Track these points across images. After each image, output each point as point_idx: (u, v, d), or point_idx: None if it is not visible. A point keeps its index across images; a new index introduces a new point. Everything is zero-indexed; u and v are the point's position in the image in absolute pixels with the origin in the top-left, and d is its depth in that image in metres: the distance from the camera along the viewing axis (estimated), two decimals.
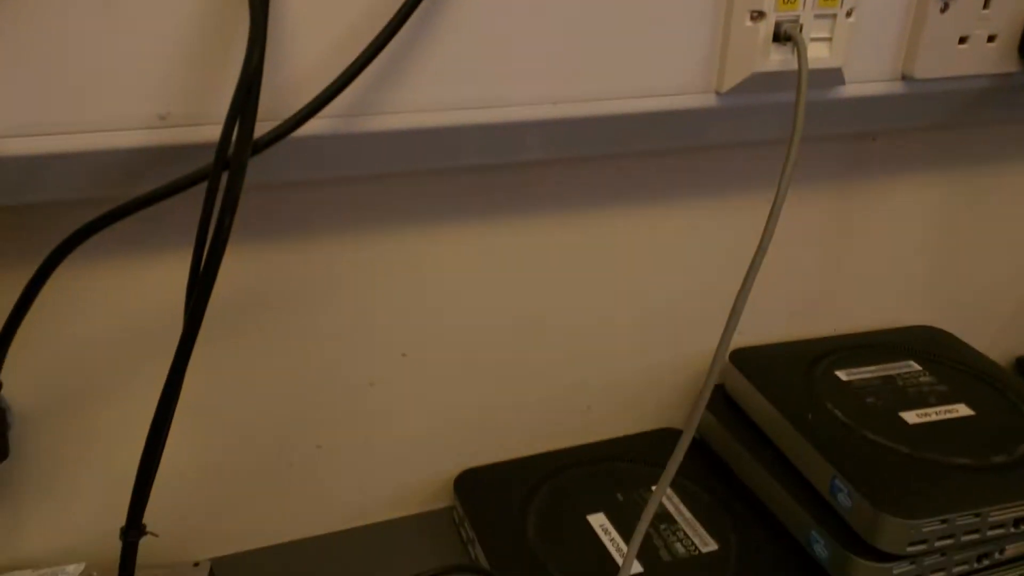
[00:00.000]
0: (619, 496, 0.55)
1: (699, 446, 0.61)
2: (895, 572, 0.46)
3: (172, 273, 0.46)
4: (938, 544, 0.46)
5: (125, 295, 0.46)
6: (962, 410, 0.54)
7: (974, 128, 0.62)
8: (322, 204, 0.48)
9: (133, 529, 0.38)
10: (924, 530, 0.45)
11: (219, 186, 0.37)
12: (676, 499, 0.55)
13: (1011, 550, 0.49)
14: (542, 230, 0.53)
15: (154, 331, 0.47)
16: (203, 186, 0.38)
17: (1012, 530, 0.47)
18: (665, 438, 0.61)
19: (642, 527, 0.44)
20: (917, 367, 0.59)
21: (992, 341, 0.72)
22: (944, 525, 0.45)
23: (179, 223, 0.45)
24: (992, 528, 0.46)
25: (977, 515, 0.46)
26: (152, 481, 0.37)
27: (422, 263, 0.51)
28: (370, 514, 0.58)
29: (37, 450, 0.48)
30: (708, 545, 0.51)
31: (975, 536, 0.46)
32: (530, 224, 0.53)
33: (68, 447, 0.48)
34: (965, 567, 0.48)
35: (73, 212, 0.41)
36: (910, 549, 0.45)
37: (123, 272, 0.45)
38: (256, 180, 0.43)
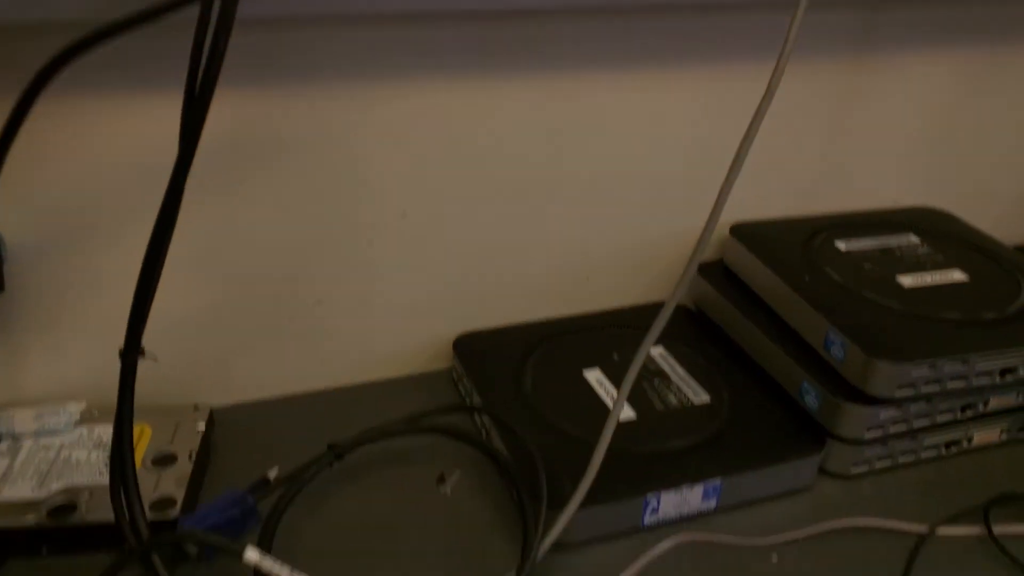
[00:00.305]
0: (615, 356, 0.56)
1: (697, 317, 0.61)
2: (882, 416, 0.47)
3: (169, 110, 0.46)
4: (925, 389, 0.47)
5: (123, 132, 0.46)
6: (957, 276, 0.55)
7: (987, 3, 0.61)
8: (320, 49, 0.47)
9: (131, 350, 0.38)
10: (913, 374, 0.46)
11: (213, 7, 0.37)
12: (671, 359, 0.56)
13: (994, 402, 0.50)
14: (544, 89, 0.53)
15: (152, 168, 0.47)
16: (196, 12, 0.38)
17: (998, 380, 0.48)
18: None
19: (633, 370, 0.45)
20: (916, 240, 0.60)
21: (993, 225, 0.72)
22: (932, 370, 0.46)
23: (176, 60, 0.45)
24: (978, 376, 0.47)
25: (964, 361, 0.46)
26: (151, 300, 0.38)
27: (421, 119, 0.51)
28: (370, 372, 0.59)
29: (36, 287, 0.48)
30: (701, 397, 0.52)
31: (961, 384, 0.47)
32: (531, 82, 0.53)
33: (68, 285, 0.49)
34: (949, 416, 0.49)
35: (65, 36, 0.41)
36: (898, 393, 0.46)
37: (120, 109, 0.45)
38: (250, 13, 0.42)
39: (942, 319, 0.49)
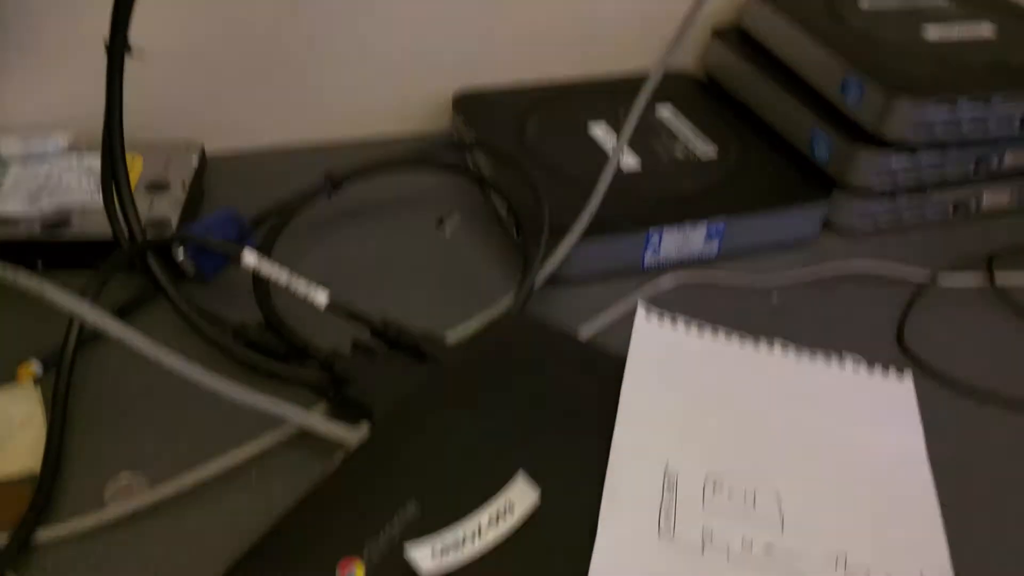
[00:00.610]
0: (621, 112, 0.54)
1: (710, 86, 0.59)
2: (893, 164, 0.46)
3: None
4: (942, 134, 0.45)
5: None
6: (986, 30, 0.52)
7: None
8: None
9: (118, 39, 0.36)
10: (931, 113, 0.44)
11: None
12: (680, 118, 0.54)
13: (1010, 159, 0.48)
14: None
15: None
16: None
17: (1018, 131, 0.46)
18: (674, 77, 0.60)
19: (636, 110, 0.43)
20: (945, 2, 0.57)
21: None
22: (951, 111, 0.45)
23: None
24: (998, 121, 0.46)
25: (986, 102, 0.45)
26: None
27: None
28: (366, 126, 0.57)
29: (18, 5, 0.46)
30: (708, 151, 0.51)
31: (979, 130, 0.46)
32: None
33: (50, 9, 0.46)
34: (961, 171, 0.48)
35: None
36: (914, 136, 0.45)
37: None
38: None
39: (966, 64, 0.47)
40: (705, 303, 0.44)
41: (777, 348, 0.37)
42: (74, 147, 0.47)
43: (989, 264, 0.47)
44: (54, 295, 0.27)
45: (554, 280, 0.44)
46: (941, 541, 0.30)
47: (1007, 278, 0.46)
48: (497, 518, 0.29)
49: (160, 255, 0.39)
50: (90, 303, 0.29)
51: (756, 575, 0.28)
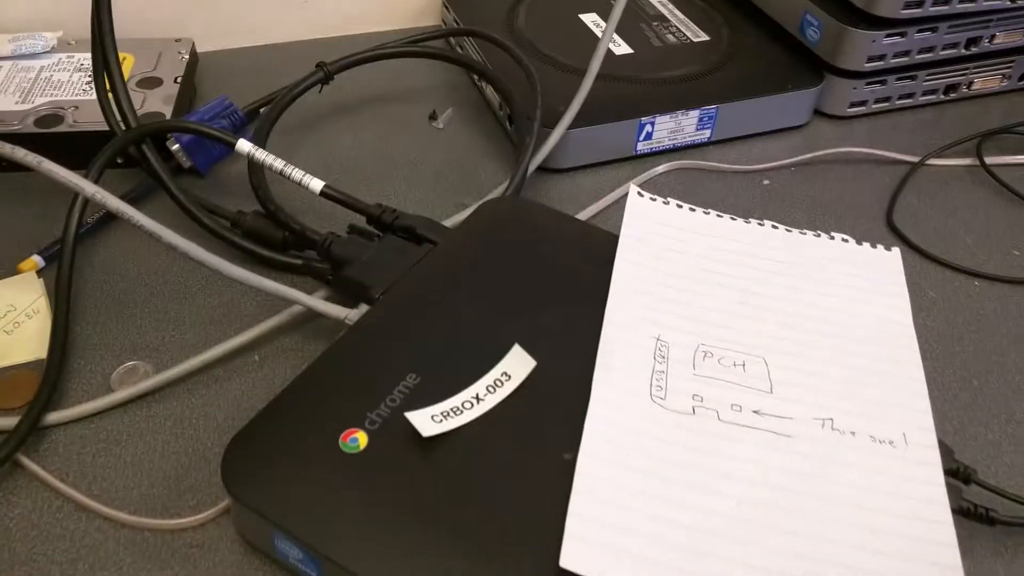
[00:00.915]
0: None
1: None
2: (884, 43, 0.46)
3: None
4: (932, 10, 0.45)
5: None
6: None
7: None
8: None
9: None
10: None
11: None
12: (671, 5, 0.54)
13: (1001, 38, 0.48)
14: None
15: None
16: None
17: (1008, 2, 0.46)
18: None
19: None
20: None
21: None
22: None
23: None
24: None
25: None
26: None
27: None
28: (355, 25, 0.56)
29: None
30: (700, 37, 0.50)
31: (971, 5, 0.45)
32: None
33: None
34: (953, 51, 0.48)
35: None
36: (904, 13, 0.44)
37: None
38: None
39: None
40: (697, 188, 0.44)
41: (767, 225, 0.37)
42: (63, 45, 0.47)
43: (979, 145, 0.47)
44: (53, 169, 0.27)
45: (548, 168, 0.44)
46: (925, 404, 0.31)
47: (997, 159, 0.47)
48: (495, 386, 0.30)
49: (155, 147, 0.39)
50: (89, 181, 0.29)
51: (745, 432, 0.29)
